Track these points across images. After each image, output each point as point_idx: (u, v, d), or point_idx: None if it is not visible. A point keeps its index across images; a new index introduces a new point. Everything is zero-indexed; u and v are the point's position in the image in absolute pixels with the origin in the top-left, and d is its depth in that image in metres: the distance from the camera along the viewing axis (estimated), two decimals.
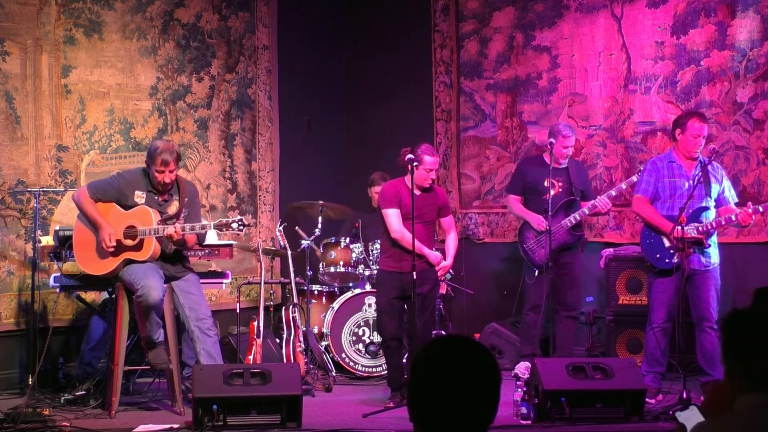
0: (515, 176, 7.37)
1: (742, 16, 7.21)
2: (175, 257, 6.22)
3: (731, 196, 6.46)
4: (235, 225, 5.90)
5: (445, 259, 6.58)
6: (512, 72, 8.34)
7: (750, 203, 6.25)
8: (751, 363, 2.41)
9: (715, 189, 6.36)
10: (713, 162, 6.45)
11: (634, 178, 6.88)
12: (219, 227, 5.95)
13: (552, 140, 6.96)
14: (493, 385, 2.10)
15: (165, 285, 6.03)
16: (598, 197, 6.90)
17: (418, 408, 2.09)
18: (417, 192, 6.38)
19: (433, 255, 6.45)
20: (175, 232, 5.89)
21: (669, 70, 7.55)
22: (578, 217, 6.92)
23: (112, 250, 5.98)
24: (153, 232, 5.97)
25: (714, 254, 6.36)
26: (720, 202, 6.40)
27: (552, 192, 6.88)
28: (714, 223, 6.25)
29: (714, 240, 6.37)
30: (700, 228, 6.22)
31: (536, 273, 7.01)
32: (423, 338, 6.23)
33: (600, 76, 7.90)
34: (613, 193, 6.97)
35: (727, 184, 6.47)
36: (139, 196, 6.10)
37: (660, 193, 6.44)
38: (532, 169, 7.17)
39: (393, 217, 6.37)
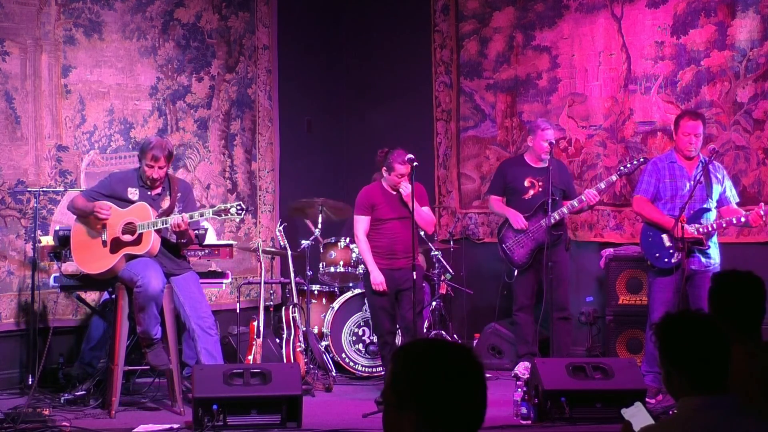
0: (496, 177, 7.41)
1: (742, 16, 7.21)
2: (173, 254, 6.24)
3: (732, 196, 6.46)
4: (233, 210, 5.91)
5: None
6: (512, 72, 8.34)
7: (762, 204, 6.25)
8: (687, 366, 2.42)
9: (716, 190, 6.36)
10: (714, 162, 6.45)
11: (613, 178, 6.88)
12: (218, 213, 5.98)
13: (530, 137, 7.05)
14: (481, 384, 2.05)
15: (165, 279, 6.06)
16: (586, 190, 6.89)
17: (413, 410, 2.03)
18: (393, 192, 6.63)
19: (376, 273, 6.59)
20: (183, 221, 5.92)
21: (669, 70, 7.54)
22: (557, 217, 6.91)
23: (109, 213, 6.01)
24: (152, 226, 6.00)
25: (715, 254, 6.36)
26: (721, 202, 6.40)
27: (532, 192, 6.94)
28: (715, 225, 6.25)
29: (715, 240, 6.37)
30: (700, 229, 6.22)
31: (516, 273, 7.05)
32: (415, 332, 6.45)
33: (600, 76, 7.89)
34: (602, 185, 6.97)
35: (728, 184, 6.47)
36: (133, 193, 6.17)
37: (661, 193, 6.44)
38: (512, 170, 7.21)
39: (359, 224, 6.71)
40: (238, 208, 5.91)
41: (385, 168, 6.61)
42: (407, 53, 8.92)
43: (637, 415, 3.07)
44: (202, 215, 6.07)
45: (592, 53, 7.92)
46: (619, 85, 7.80)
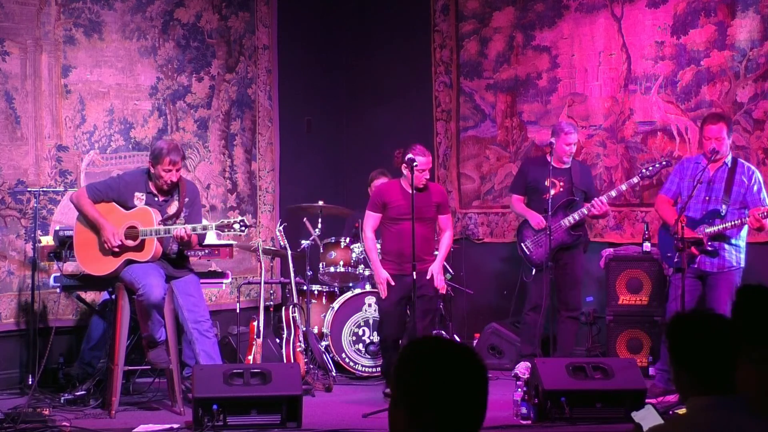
0: (517, 176, 7.40)
1: (742, 16, 7.22)
2: (176, 257, 6.23)
3: (763, 198, 6.33)
4: (236, 226, 5.91)
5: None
6: (512, 72, 8.34)
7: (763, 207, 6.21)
8: (696, 366, 2.42)
9: (737, 192, 6.29)
10: (744, 164, 6.43)
11: (635, 180, 6.91)
12: (221, 228, 5.97)
13: (553, 139, 7.00)
14: (480, 388, 2.05)
15: (166, 284, 6.05)
16: (594, 199, 6.89)
17: (405, 407, 2.05)
18: (408, 190, 6.43)
19: (379, 271, 6.45)
20: (186, 233, 5.90)
21: (669, 70, 7.55)
22: (576, 217, 6.91)
23: (116, 250, 5.99)
24: (155, 233, 5.98)
25: (733, 257, 6.31)
26: (747, 203, 6.30)
27: (552, 191, 6.90)
28: (723, 227, 6.21)
29: (739, 242, 6.30)
30: (709, 230, 6.19)
31: (534, 272, 7.03)
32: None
33: (600, 76, 7.90)
34: (613, 194, 6.97)
35: (757, 186, 6.34)
36: (139, 198, 6.12)
37: (683, 193, 6.42)
38: (533, 169, 7.19)
39: (367, 220, 6.60)
40: (242, 224, 5.92)
41: (405, 164, 6.44)
42: (407, 53, 8.92)
43: (647, 417, 3.07)
44: (205, 228, 6.07)
45: (592, 53, 7.92)
46: (619, 85, 7.80)
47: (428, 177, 6.50)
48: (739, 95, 7.25)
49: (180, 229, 5.92)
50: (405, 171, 6.46)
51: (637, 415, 3.11)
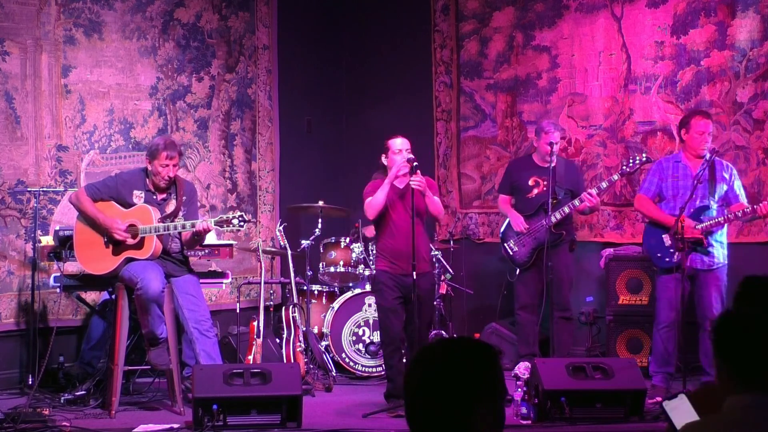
0: (504, 176, 7.44)
1: (742, 16, 7.21)
2: (176, 257, 6.23)
3: (741, 195, 6.41)
4: (235, 221, 5.92)
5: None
6: (512, 72, 8.34)
7: None
8: (740, 364, 2.41)
9: (720, 188, 6.34)
10: (723, 161, 6.45)
11: (615, 177, 6.86)
12: (219, 224, 5.98)
13: (536, 139, 7.06)
14: (491, 389, 2.03)
15: (165, 280, 6.05)
16: (584, 192, 6.87)
17: (413, 412, 2.06)
18: (399, 186, 6.24)
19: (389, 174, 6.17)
20: (204, 228, 5.93)
21: (669, 70, 7.55)
22: (558, 216, 6.89)
23: (127, 236, 5.99)
24: (154, 231, 5.99)
25: (719, 254, 6.34)
26: (728, 200, 6.36)
27: (535, 191, 6.95)
28: (714, 221, 6.24)
29: (721, 239, 6.35)
30: (700, 226, 6.22)
31: (518, 272, 7.06)
32: (420, 340, 6.20)
33: (600, 76, 7.90)
34: (604, 185, 6.92)
35: (737, 183, 6.42)
36: (138, 196, 6.14)
37: (664, 193, 6.46)
38: (518, 169, 7.25)
39: (366, 203, 6.26)
40: (240, 219, 5.93)
41: (384, 155, 6.31)
42: (407, 53, 8.93)
43: (679, 407, 2.98)
44: (204, 223, 6.07)
45: (592, 53, 7.92)
46: (619, 85, 7.80)
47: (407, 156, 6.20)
48: (739, 95, 7.25)
49: (201, 223, 5.93)
50: (385, 161, 6.30)
51: (668, 405, 3.02)
